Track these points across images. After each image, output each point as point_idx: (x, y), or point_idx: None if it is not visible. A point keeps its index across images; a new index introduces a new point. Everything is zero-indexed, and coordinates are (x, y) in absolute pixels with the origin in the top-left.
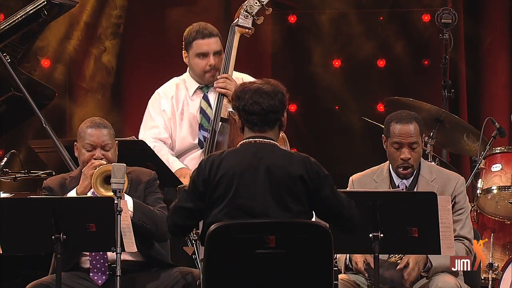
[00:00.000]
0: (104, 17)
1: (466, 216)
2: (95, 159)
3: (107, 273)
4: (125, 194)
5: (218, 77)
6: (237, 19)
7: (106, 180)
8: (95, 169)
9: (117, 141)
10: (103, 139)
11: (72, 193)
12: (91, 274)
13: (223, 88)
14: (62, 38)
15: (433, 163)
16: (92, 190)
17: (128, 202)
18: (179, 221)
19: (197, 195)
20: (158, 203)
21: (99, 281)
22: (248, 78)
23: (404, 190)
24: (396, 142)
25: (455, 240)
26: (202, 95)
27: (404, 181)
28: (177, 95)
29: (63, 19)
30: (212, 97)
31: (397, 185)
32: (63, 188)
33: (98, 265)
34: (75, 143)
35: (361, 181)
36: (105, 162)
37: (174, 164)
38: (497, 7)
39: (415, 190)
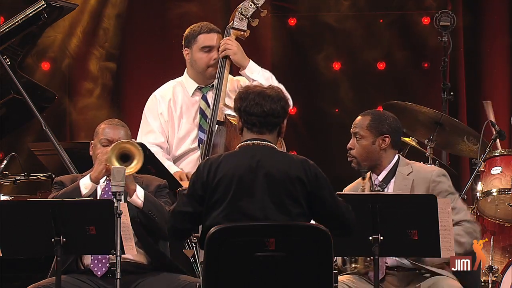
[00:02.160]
0: (105, 19)
1: (455, 202)
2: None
3: (107, 265)
4: (137, 185)
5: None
6: (232, 21)
7: (122, 158)
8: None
9: None
10: (119, 136)
11: (86, 178)
12: (91, 265)
13: (224, 50)
14: (62, 41)
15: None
16: (104, 178)
17: (139, 192)
18: (178, 225)
19: (196, 199)
20: (167, 205)
21: (99, 273)
22: (245, 81)
23: (377, 185)
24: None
25: (453, 225)
26: (201, 95)
27: (378, 177)
28: (175, 98)
29: (64, 22)
30: (211, 97)
31: (373, 181)
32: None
33: (99, 257)
34: (91, 141)
35: (352, 191)
36: None
37: (169, 169)
38: (496, 10)
39: (390, 183)
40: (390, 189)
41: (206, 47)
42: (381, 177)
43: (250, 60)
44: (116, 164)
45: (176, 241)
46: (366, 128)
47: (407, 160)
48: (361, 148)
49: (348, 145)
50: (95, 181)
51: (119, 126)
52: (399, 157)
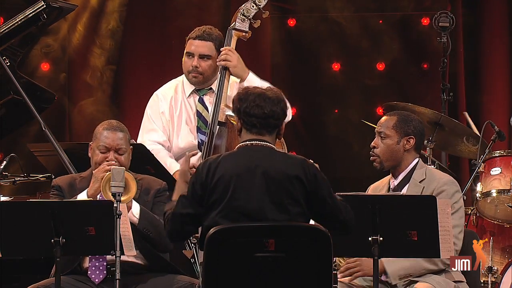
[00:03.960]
0: (104, 19)
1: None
2: (107, 161)
3: (105, 272)
4: (133, 201)
5: (221, 49)
6: (234, 22)
7: None
8: (106, 173)
9: (131, 146)
10: (118, 142)
11: (83, 195)
12: (89, 272)
13: (224, 60)
14: (62, 41)
15: (432, 167)
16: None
17: (134, 209)
18: (178, 227)
19: (196, 200)
20: None
21: (96, 280)
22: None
23: (391, 187)
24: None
25: None
26: (198, 97)
27: (395, 180)
28: (176, 97)
29: (64, 22)
30: (208, 100)
31: (390, 184)
32: (72, 187)
33: (97, 264)
34: (90, 143)
35: (375, 186)
36: (117, 165)
37: (172, 166)
38: (496, 10)
39: (404, 188)
40: None
41: (188, 53)
42: (397, 180)
43: (250, 72)
44: (109, 193)
45: (176, 243)
46: (391, 127)
47: (424, 164)
48: (385, 147)
49: (372, 144)
50: (92, 198)
51: (117, 130)
52: (418, 161)
